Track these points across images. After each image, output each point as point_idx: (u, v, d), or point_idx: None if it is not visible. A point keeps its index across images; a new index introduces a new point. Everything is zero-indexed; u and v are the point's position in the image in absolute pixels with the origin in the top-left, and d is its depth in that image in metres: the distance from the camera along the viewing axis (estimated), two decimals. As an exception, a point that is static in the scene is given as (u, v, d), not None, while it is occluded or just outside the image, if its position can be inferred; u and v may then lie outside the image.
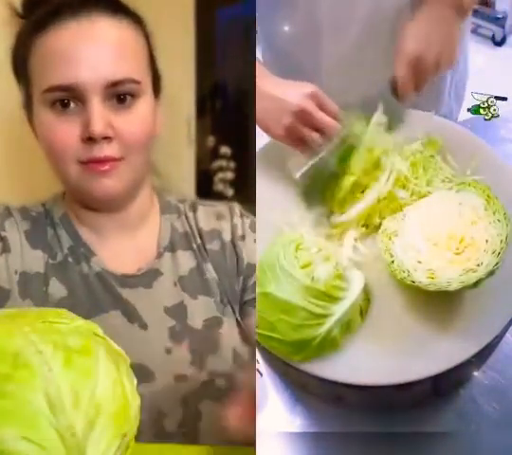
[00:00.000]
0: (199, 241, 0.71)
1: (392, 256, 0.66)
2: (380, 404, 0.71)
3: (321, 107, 0.75)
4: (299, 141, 0.75)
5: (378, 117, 0.78)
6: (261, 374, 0.75)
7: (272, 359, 0.70)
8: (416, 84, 0.79)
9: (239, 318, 0.71)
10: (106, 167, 0.61)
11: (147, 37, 0.66)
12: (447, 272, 0.63)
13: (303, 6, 0.89)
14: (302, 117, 0.73)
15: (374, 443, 0.70)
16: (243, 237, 0.71)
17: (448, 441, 0.70)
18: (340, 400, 0.71)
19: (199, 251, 0.70)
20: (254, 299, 0.68)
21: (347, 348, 0.65)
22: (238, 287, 0.70)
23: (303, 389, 0.73)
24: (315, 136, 0.74)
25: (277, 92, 0.75)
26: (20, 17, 0.64)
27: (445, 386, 0.70)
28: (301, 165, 0.76)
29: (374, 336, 0.66)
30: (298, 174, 0.76)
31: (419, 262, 0.65)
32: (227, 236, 0.71)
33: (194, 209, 0.73)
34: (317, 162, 0.75)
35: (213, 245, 0.71)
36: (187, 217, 0.72)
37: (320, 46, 0.93)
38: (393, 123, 0.80)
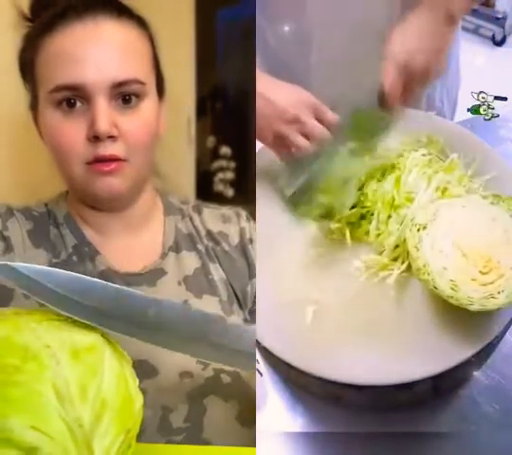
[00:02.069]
0: (206, 242, 0.71)
1: (418, 250, 0.64)
2: (380, 404, 0.71)
3: (318, 116, 0.73)
4: (283, 149, 0.74)
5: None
6: (261, 374, 0.76)
7: (272, 359, 0.70)
8: (404, 94, 0.77)
9: (249, 319, 0.71)
10: (112, 166, 0.62)
11: (151, 39, 0.67)
12: (468, 289, 0.61)
13: (294, 7, 0.88)
14: (295, 124, 0.72)
15: (374, 443, 0.70)
16: (251, 240, 0.72)
17: (448, 441, 0.70)
18: (340, 400, 0.71)
19: (206, 252, 0.71)
20: None
21: (347, 348, 0.65)
22: (251, 290, 0.71)
23: (303, 389, 0.73)
24: (304, 143, 0.72)
25: (271, 94, 0.73)
26: (28, 20, 0.65)
27: (445, 386, 0.70)
28: (291, 181, 0.75)
29: (374, 335, 0.66)
30: (290, 192, 0.75)
31: (445, 268, 0.63)
32: (235, 239, 0.72)
33: (199, 211, 0.74)
34: (308, 177, 0.73)
35: (222, 247, 0.71)
36: (191, 219, 0.73)
37: (310, 49, 0.93)
38: (378, 133, 0.78)
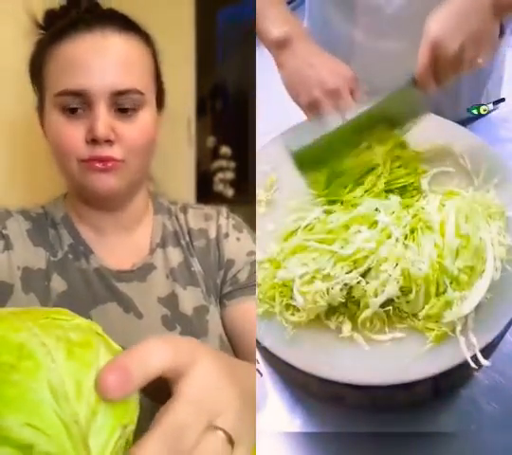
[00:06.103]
0: (188, 238, 0.76)
1: None
2: (380, 404, 0.71)
3: (351, 92, 0.78)
4: (314, 113, 0.79)
5: None
6: (261, 374, 0.76)
7: (272, 359, 0.70)
8: (437, 76, 0.73)
9: (220, 309, 0.75)
10: (108, 165, 0.66)
11: (154, 54, 0.71)
12: None
13: None
14: (332, 96, 0.77)
15: (375, 443, 0.70)
16: (226, 235, 0.76)
17: (448, 441, 0.70)
18: (340, 400, 0.71)
19: (187, 247, 0.75)
20: (231, 292, 0.74)
21: (347, 348, 0.65)
22: (219, 280, 0.75)
23: (303, 389, 0.74)
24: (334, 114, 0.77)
25: (317, 61, 0.79)
26: (41, 28, 0.70)
27: (445, 386, 0.70)
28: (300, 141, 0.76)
29: (374, 335, 0.66)
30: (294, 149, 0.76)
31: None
32: (212, 234, 0.76)
33: (185, 211, 0.79)
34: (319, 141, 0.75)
35: (200, 243, 0.76)
36: (177, 218, 0.78)
37: (354, 27, 0.92)
38: (411, 116, 0.78)
